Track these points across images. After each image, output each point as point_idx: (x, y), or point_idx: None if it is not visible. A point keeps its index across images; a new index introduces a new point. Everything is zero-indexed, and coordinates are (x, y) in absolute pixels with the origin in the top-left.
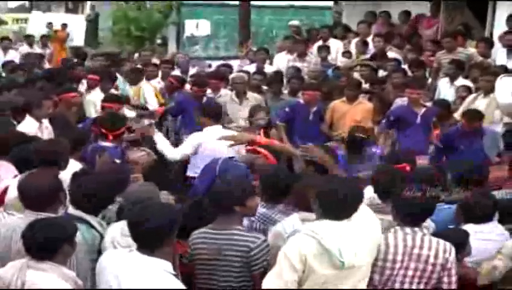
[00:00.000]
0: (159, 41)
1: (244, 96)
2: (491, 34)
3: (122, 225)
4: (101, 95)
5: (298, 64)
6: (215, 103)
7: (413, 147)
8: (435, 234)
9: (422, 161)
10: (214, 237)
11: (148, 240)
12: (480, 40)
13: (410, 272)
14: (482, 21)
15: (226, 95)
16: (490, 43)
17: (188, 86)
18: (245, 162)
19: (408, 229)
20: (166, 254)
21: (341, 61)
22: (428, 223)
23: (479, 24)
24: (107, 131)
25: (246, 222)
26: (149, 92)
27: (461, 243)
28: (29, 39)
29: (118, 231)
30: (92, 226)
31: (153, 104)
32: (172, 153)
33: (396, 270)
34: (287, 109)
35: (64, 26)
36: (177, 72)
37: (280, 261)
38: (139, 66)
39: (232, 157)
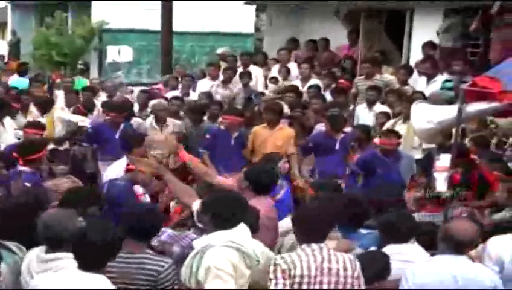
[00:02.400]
0: (80, 67)
1: (164, 123)
2: (408, 60)
3: (39, 251)
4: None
5: (221, 90)
6: (134, 130)
7: (331, 172)
8: (358, 257)
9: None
10: (123, 260)
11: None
12: (400, 67)
13: (325, 286)
14: (399, 48)
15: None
16: (409, 70)
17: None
18: (128, 180)
19: (314, 245)
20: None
21: (270, 87)
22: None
23: (397, 51)
24: (18, 156)
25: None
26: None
27: (383, 269)
28: None
29: (33, 258)
30: (12, 251)
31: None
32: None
33: (312, 285)
34: (207, 136)
35: None
36: (103, 97)
37: (216, 275)
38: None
39: (115, 179)
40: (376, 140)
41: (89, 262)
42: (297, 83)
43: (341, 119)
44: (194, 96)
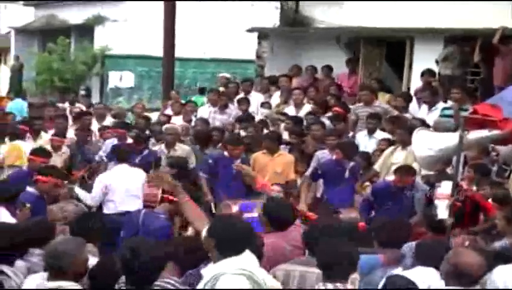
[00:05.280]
0: (82, 92)
1: (172, 148)
2: (408, 88)
3: (40, 278)
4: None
5: (218, 116)
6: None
7: (342, 201)
8: None
9: (352, 215)
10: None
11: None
12: (398, 94)
13: None
14: (400, 76)
15: None
16: (407, 97)
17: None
18: (165, 212)
19: (330, 285)
20: None
21: (262, 112)
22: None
23: (397, 79)
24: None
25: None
26: None
27: None
28: None
29: (33, 285)
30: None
31: None
32: (87, 200)
33: None
34: (210, 161)
35: None
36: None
37: None
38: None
39: (153, 207)
40: (391, 178)
41: None
42: (291, 109)
43: (354, 147)
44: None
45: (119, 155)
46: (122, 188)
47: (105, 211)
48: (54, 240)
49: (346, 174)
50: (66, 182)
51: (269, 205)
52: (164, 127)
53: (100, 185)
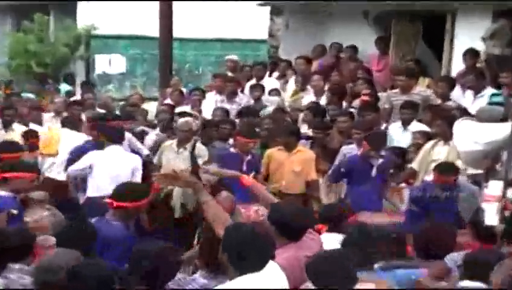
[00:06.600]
0: (81, 80)
1: (183, 146)
2: (449, 71)
3: None
4: None
5: (227, 105)
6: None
7: (368, 205)
8: None
9: (380, 219)
10: None
11: None
12: (440, 79)
13: None
14: (439, 57)
15: None
16: (450, 83)
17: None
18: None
19: None
20: None
21: (270, 101)
22: None
23: (436, 60)
24: None
25: None
26: None
27: None
28: None
29: None
30: None
31: None
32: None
33: None
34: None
35: None
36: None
37: None
38: None
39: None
40: (430, 177)
41: None
42: (310, 98)
43: (384, 138)
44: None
45: (111, 136)
46: (106, 173)
47: (88, 193)
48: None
49: (373, 172)
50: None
51: (275, 211)
52: (178, 121)
53: (85, 162)
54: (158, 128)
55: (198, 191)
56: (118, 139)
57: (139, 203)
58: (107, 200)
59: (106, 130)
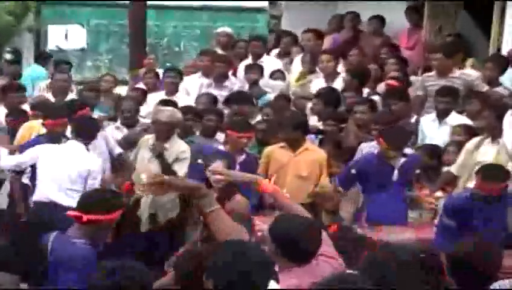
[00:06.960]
0: (8, 56)
1: (165, 142)
2: (499, 49)
3: None
4: None
5: (215, 91)
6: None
7: (390, 216)
8: None
9: (409, 236)
10: None
11: None
12: (488, 59)
13: None
14: (486, 32)
15: None
16: (502, 64)
17: None
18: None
19: None
20: None
21: (272, 86)
22: None
23: (483, 36)
24: None
25: None
26: None
27: None
28: None
29: None
30: None
31: None
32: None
33: None
34: (199, 161)
35: None
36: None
37: None
38: None
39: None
40: (472, 183)
41: None
42: (319, 82)
43: (404, 134)
44: (184, 98)
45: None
46: (48, 172)
47: (34, 197)
48: None
49: (395, 175)
50: None
51: (279, 225)
52: (154, 110)
53: (31, 153)
54: (119, 121)
55: (204, 198)
56: (90, 136)
57: (114, 215)
58: (71, 213)
59: (82, 123)
